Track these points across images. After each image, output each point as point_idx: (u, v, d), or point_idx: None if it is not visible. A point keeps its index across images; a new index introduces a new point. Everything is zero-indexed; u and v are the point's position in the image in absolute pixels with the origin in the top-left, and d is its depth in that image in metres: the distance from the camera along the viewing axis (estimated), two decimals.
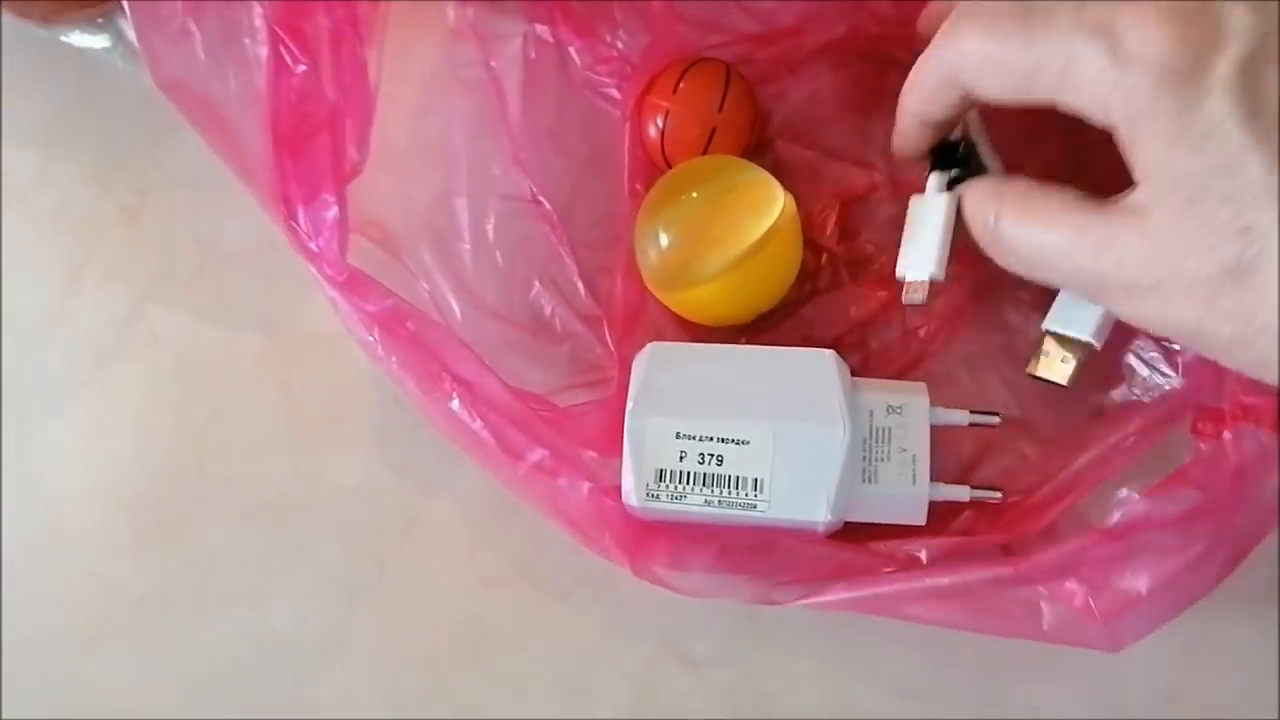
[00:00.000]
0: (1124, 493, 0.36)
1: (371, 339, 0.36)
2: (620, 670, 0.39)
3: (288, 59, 0.37)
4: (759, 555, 0.36)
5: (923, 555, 0.36)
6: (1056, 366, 0.35)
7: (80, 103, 0.45)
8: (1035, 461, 0.38)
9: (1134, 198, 0.28)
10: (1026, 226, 0.31)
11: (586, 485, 0.35)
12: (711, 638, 0.39)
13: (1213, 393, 0.35)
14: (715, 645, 0.39)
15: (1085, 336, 0.35)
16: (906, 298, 0.35)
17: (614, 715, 0.39)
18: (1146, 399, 0.37)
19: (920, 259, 0.35)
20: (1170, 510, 0.33)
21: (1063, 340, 0.35)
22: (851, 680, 0.39)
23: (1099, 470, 0.37)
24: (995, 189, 0.32)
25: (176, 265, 0.43)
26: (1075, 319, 0.35)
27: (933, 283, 0.35)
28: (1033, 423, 0.39)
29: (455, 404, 0.36)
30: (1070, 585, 0.33)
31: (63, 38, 0.42)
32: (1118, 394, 0.38)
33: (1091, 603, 0.33)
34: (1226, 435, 0.33)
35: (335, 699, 0.40)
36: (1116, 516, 0.35)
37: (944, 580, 0.34)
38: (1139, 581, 0.33)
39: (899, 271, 0.36)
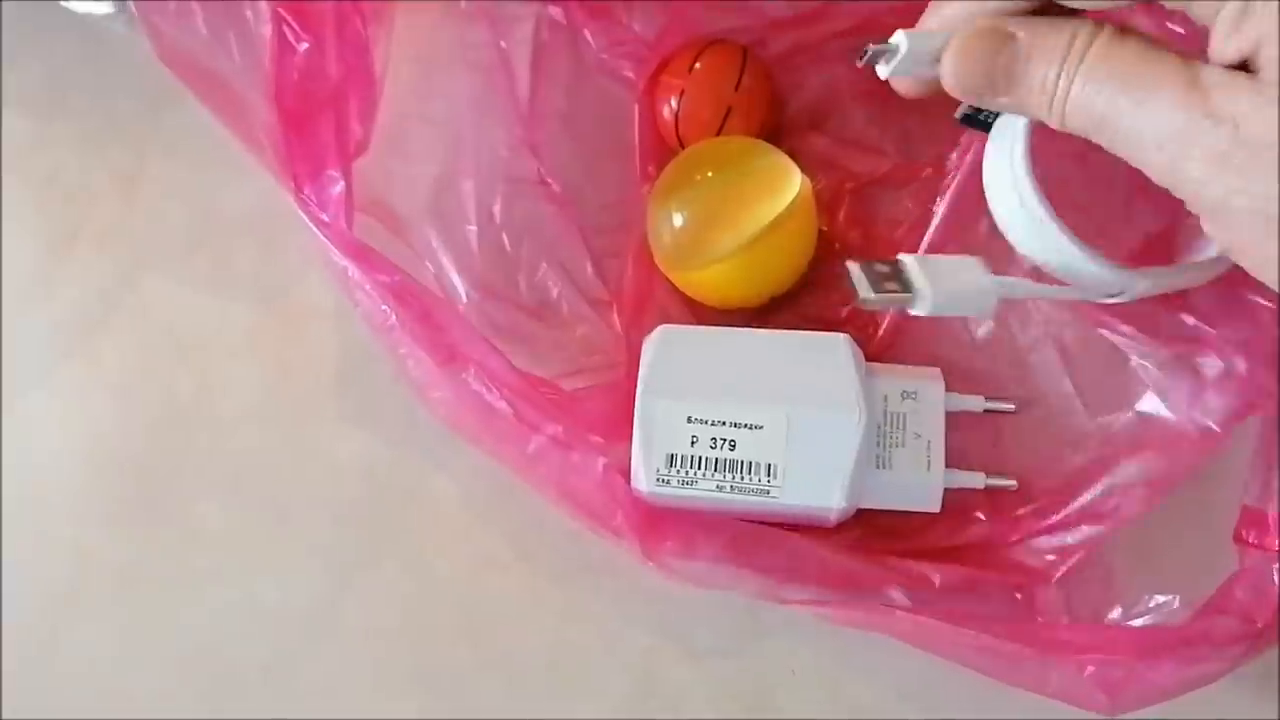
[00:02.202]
0: (1163, 598, 0.36)
1: (385, 309, 0.35)
2: (618, 659, 0.39)
3: (290, 38, 0.37)
4: (770, 552, 0.36)
5: (936, 579, 0.36)
6: (874, 283, 0.31)
7: (79, 68, 0.44)
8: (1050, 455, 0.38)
9: None
10: (1117, 89, 0.27)
11: (601, 460, 0.35)
12: (713, 629, 0.39)
13: (1260, 493, 0.34)
14: (716, 637, 0.39)
15: (915, 306, 0.31)
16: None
17: (610, 705, 0.38)
18: (1180, 424, 0.37)
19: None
20: (1208, 631, 0.33)
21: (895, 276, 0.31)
22: (853, 678, 0.38)
23: (1122, 508, 0.36)
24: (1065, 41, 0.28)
25: (171, 234, 0.42)
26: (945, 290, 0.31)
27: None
28: (1049, 414, 0.38)
29: (471, 376, 0.35)
30: (1084, 659, 0.33)
31: (64, 2, 0.42)
32: (1148, 409, 0.38)
33: (1100, 675, 0.33)
34: (1275, 568, 0.33)
35: (323, 681, 0.39)
36: (1149, 619, 0.35)
37: (960, 638, 0.34)
38: (1154, 675, 0.33)
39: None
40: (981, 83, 0.29)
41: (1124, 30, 0.27)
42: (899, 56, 0.30)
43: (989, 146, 0.32)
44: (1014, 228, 0.32)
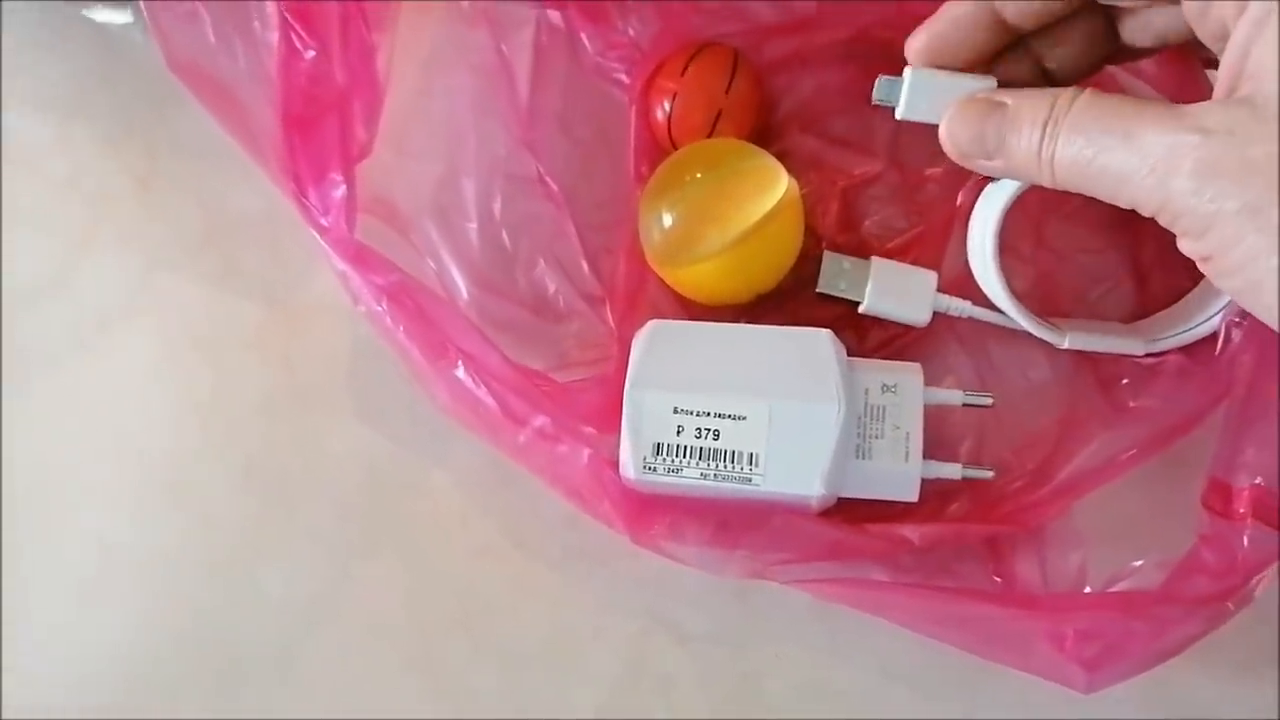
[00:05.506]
0: (1138, 563, 0.37)
1: (380, 308, 0.36)
2: (610, 643, 0.40)
3: (297, 44, 0.38)
4: (755, 530, 0.37)
5: (915, 538, 0.37)
6: (832, 279, 0.39)
7: (98, 74, 0.45)
8: (1029, 447, 0.39)
9: (1249, 91, 0.27)
10: (1094, 144, 0.28)
11: (586, 452, 0.36)
12: (703, 613, 0.40)
13: (1226, 464, 0.35)
14: (706, 621, 0.40)
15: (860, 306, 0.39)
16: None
17: (603, 688, 0.39)
18: (1151, 405, 0.38)
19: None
20: (1180, 591, 0.34)
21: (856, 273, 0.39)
22: (841, 660, 0.39)
23: (1096, 476, 0.38)
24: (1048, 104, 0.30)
25: (184, 234, 0.44)
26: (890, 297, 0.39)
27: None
28: (1028, 409, 0.40)
29: (460, 371, 0.36)
30: (1063, 630, 0.34)
31: (85, 12, 0.43)
32: (1125, 398, 0.39)
33: (1078, 649, 0.34)
34: (1245, 536, 0.34)
35: (325, 667, 0.40)
36: (1126, 583, 0.37)
37: (943, 606, 0.35)
38: (1131, 644, 0.34)
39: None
40: (974, 146, 0.31)
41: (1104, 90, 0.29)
42: (906, 89, 0.33)
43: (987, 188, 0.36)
44: (977, 267, 0.38)
